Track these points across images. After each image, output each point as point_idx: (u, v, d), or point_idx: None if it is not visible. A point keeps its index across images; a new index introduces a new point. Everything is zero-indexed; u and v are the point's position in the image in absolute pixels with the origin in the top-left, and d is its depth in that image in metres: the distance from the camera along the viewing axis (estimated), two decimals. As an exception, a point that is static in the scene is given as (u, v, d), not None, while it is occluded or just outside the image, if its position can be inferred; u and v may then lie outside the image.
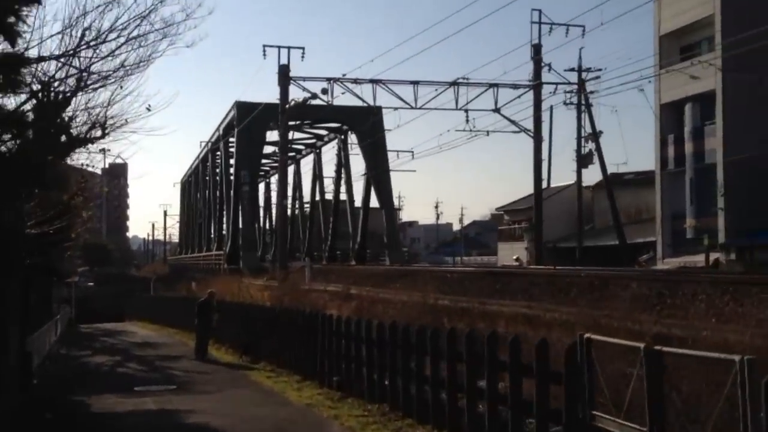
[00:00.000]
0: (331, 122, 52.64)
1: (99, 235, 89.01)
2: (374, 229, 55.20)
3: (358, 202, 55.13)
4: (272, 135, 53.64)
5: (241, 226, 50.23)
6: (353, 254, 53.94)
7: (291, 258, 64.95)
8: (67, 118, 15.01)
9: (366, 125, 48.74)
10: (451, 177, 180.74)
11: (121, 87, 14.36)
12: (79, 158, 19.83)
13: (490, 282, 18.47)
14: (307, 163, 66.68)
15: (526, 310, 12.83)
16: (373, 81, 29.54)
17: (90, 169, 23.05)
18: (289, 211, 78.23)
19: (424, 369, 9.15)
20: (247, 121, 44.77)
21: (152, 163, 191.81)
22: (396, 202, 72.06)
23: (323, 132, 57.75)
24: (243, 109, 47.51)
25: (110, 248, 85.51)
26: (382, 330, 10.34)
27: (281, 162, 29.85)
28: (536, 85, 30.49)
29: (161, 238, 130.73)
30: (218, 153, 63.11)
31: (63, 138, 15.17)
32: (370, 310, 15.49)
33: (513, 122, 31.30)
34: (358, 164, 57.74)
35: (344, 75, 28.10)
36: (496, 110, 31.00)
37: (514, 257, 48.31)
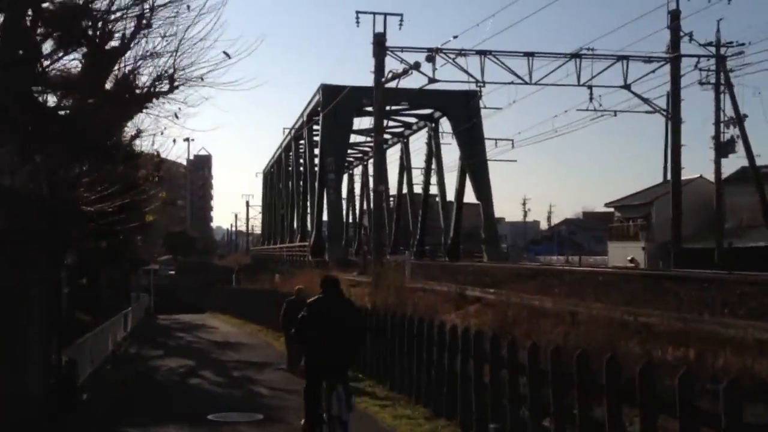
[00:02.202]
0: (421, 108, 49.25)
1: (183, 225, 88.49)
2: (463, 224, 51.53)
3: (448, 195, 51.74)
4: (358, 122, 51.00)
5: (326, 216, 47.49)
6: (445, 250, 50.52)
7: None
8: (127, 71, 12.06)
9: (462, 110, 45.30)
10: (543, 171, 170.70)
11: (195, 22, 11.32)
12: (147, 125, 17.04)
13: (651, 287, 14.72)
14: (392, 154, 63.35)
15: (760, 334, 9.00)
16: (480, 52, 25.89)
17: (161, 138, 20.30)
18: (372, 203, 75.83)
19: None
20: (333, 104, 41.87)
21: (235, 152, 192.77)
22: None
23: (412, 120, 54.46)
24: (329, 92, 44.73)
25: (193, 237, 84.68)
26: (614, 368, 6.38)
27: (376, 143, 26.60)
28: (674, 58, 26.20)
29: (244, 229, 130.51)
30: (302, 141, 60.78)
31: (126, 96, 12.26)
32: (518, 323, 11.90)
33: (646, 101, 27.10)
34: (447, 155, 54.13)
35: (445, 44, 24.51)
36: (626, 86, 26.86)
37: (629, 258, 43.73)
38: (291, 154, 66.41)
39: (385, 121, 54.87)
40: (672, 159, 27.52)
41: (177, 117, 12.03)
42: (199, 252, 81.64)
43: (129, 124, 16.81)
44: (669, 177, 51.68)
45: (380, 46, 24.72)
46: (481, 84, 25.95)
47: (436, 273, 25.68)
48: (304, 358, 8.33)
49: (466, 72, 25.88)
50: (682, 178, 51.10)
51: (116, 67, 11.77)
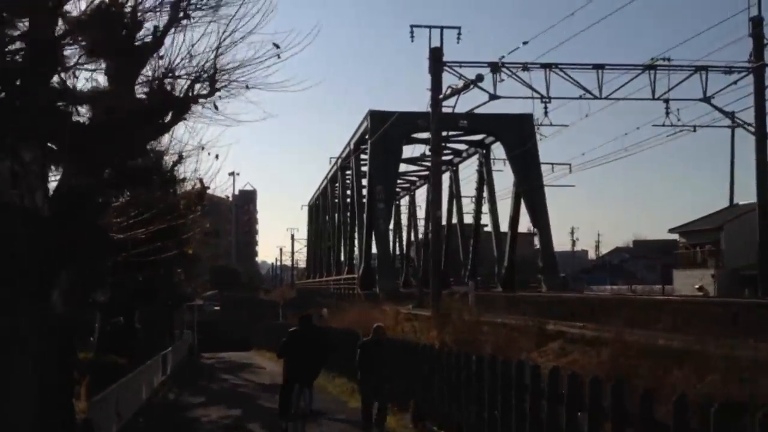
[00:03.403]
0: (473, 133, 47.30)
1: (227, 259, 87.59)
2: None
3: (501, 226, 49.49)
4: (406, 151, 49.24)
5: (375, 247, 45.60)
6: (498, 280, 48.15)
7: (424, 284, 60.05)
8: (162, 71, 10.33)
9: (516, 135, 43.29)
10: (592, 198, 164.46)
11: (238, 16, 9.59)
12: (190, 150, 15.28)
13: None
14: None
15: None
16: (545, 65, 23.88)
17: (205, 164, 18.56)
18: (420, 233, 73.79)
19: None
20: (382, 131, 40.24)
21: (279, 185, 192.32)
22: (530, 226, 65.52)
23: (461, 147, 52.56)
24: (377, 118, 43.17)
25: (239, 271, 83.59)
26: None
27: (433, 164, 24.66)
28: (757, 67, 23.85)
29: (288, 263, 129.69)
30: (348, 172, 59.34)
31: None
32: (628, 365, 9.64)
33: (728, 114, 24.68)
34: (499, 182, 51.80)
35: (511, 53, 22.52)
36: (705, 99, 24.56)
37: (696, 286, 40.80)
38: (337, 185, 64.96)
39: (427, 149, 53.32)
40: (757, 177, 24.97)
41: (216, 108, 10.18)
42: (244, 287, 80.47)
43: (166, 140, 15.12)
44: (735, 201, 49.02)
45: (437, 62, 22.91)
46: (547, 99, 23.93)
47: (501, 304, 23.44)
48: (284, 367, 12.29)
49: (530, 87, 23.93)
50: (749, 201, 48.22)
51: (147, 68, 10.06)
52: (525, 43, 21.46)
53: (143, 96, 10.34)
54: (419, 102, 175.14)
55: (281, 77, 10.27)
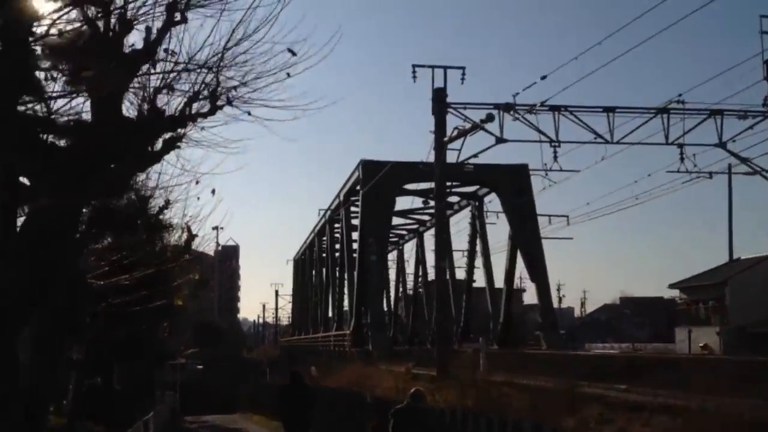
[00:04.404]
0: (468, 184, 46.14)
1: (210, 316, 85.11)
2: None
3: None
4: (400, 202, 47.91)
5: (367, 302, 43.76)
6: (495, 336, 46.35)
7: (414, 342, 58.01)
8: (157, 85, 8.84)
9: (513, 185, 42.18)
10: (581, 254, 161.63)
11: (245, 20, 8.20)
12: (176, 196, 13.78)
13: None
14: (430, 238, 59.83)
15: None
16: (554, 108, 22.74)
17: (193, 208, 16.98)
18: (409, 289, 71.92)
19: None
20: (375, 181, 38.93)
21: (263, 240, 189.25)
22: (517, 281, 64.02)
23: (453, 198, 51.35)
24: (369, 168, 41.93)
25: (222, 329, 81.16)
26: None
27: (437, 211, 23.31)
28: (775, 111, 22.88)
29: (270, 320, 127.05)
30: (336, 225, 57.87)
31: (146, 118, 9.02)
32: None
33: (744, 161, 23.56)
34: (491, 236, 50.14)
35: (517, 96, 21.34)
36: (721, 144, 23.47)
37: (701, 344, 39.22)
38: (325, 238, 63.37)
39: (423, 201, 52.03)
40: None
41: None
42: (227, 344, 77.91)
43: (153, 182, 13.59)
44: (736, 254, 47.86)
45: (440, 102, 21.70)
46: (556, 144, 22.73)
47: (511, 364, 21.69)
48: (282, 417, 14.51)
49: (538, 130, 22.72)
50: (754, 255, 47.05)
51: (137, 80, 8.56)
52: (543, 77, 20.27)
53: (131, 115, 8.84)
54: (416, 149, 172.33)
55: (293, 93, 8.80)
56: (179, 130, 8.74)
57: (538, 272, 41.18)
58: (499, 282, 47.63)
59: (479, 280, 51.23)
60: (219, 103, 8.59)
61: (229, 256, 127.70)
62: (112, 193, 10.71)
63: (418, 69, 22.46)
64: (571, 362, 20.44)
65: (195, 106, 8.59)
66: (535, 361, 21.57)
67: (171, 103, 8.99)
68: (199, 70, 8.44)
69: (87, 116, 8.89)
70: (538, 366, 20.22)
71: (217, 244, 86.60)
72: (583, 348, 41.51)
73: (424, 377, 22.91)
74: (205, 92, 8.67)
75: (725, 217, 44.08)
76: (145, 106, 8.86)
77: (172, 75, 8.52)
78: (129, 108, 9.16)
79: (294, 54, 7.92)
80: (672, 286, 48.34)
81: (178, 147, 9.81)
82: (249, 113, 8.85)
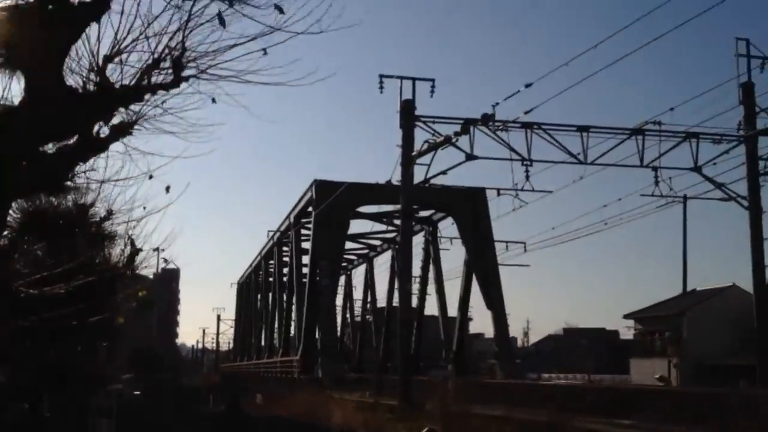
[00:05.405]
0: (425, 208, 45.03)
1: (148, 340, 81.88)
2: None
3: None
4: (355, 225, 46.49)
5: (318, 328, 42.05)
6: (447, 364, 45.06)
7: (360, 370, 56.31)
8: (108, 52, 7.34)
9: (470, 211, 41.22)
10: (532, 283, 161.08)
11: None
12: (119, 206, 12.29)
13: None
14: (380, 264, 58.60)
15: None
16: (526, 125, 21.78)
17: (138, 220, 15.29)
18: (352, 315, 70.15)
19: None
20: (329, 201, 37.54)
21: (204, 263, 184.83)
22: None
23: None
24: (323, 188, 40.56)
25: (160, 355, 78.04)
26: None
27: (403, 230, 22.06)
28: (750, 137, 22.35)
29: (209, 345, 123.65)
30: (285, 248, 56.08)
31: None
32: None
33: (719, 186, 22.92)
34: (444, 262, 49.05)
35: (495, 106, 20.26)
36: (696, 168, 22.83)
37: (656, 376, 38.72)
38: (272, 261, 61.45)
39: (373, 225, 50.75)
40: (753, 254, 23.05)
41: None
42: (165, 370, 74.85)
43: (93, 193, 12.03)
44: (691, 287, 47.66)
45: (408, 115, 20.53)
46: (528, 162, 21.72)
47: (480, 395, 20.36)
48: None
49: (509, 148, 21.69)
50: (712, 287, 46.99)
51: (82, 44, 7.06)
52: (528, 85, 19.25)
53: (75, 85, 7.30)
54: (373, 170, 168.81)
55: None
56: (133, 106, 7.22)
57: (495, 299, 40.13)
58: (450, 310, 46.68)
59: (428, 308, 50.17)
60: (185, 73, 7.13)
61: (168, 279, 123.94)
62: (47, 186, 9.11)
63: (386, 80, 21.30)
64: (550, 392, 19.23)
65: (155, 73, 7.12)
66: (504, 391, 20.30)
67: (125, 75, 7.48)
68: (161, 34, 7.01)
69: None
70: (507, 396, 18.95)
71: (165, 260, 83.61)
72: (528, 379, 40.47)
73: (384, 407, 21.47)
74: (168, 61, 7.21)
75: (695, 245, 44.05)
76: (92, 78, 7.37)
77: (126, 38, 7.05)
78: (70, 81, 7.68)
79: (282, 11, 6.54)
80: (627, 316, 48.00)
81: (130, 133, 8.31)
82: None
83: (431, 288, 48.14)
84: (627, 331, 52.67)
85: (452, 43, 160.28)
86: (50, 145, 8.14)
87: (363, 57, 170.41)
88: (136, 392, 51.99)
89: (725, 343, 39.07)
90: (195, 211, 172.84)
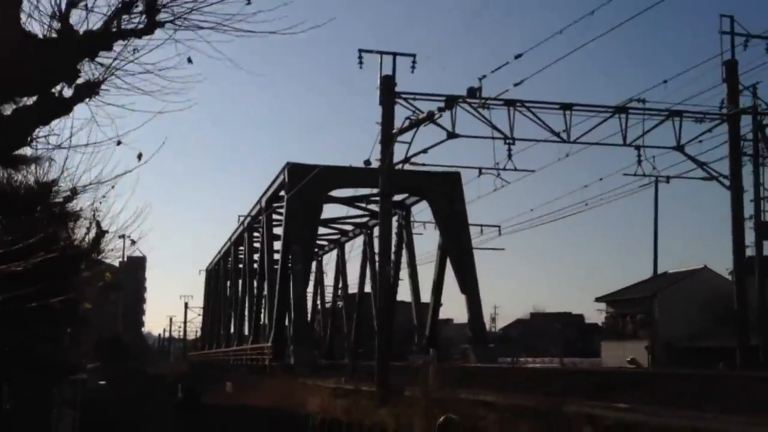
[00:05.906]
0: (400, 192, 44.25)
1: (114, 329, 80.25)
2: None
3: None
4: (327, 210, 45.58)
5: (289, 313, 41.21)
6: (420, 349, 44.53)
7: (331, 357, 55.65)
8: None
9: (445, 194, 40.57)
10: (504, 267, 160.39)
11: None
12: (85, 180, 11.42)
13: None
14: (354, 248, 57.76)
15: None
16: (509, 102, 21.09)
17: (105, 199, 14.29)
18: (323, 301, 69.38)
19: None
20: (301, 185, 36.55)
21: (170, 249, 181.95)
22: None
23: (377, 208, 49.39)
24: (296, 171, 39.55)
25: (126, 343, 76.54)
26: None
27: (382, 210, 21.30)
28: (732, 116, 21.94)
29: (176, 334, 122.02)
30: (255, 234, 54.98)
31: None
32: None
33: (701, 165, 22.50)
34: (418, 247, 48.39)
35: (481, 80, 19.47)
36: (679, 147, 22.37)
37: (627, 358, 38.62)
38: (242, 247, 60.28)
39: (347, 210, 49.95)
40: (733, 235, 22.72)
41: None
42: (131, 359, 73.45)
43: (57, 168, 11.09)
44: (662, 269, 47.66)
45: (389, 92, 19.71)
46: (510, 141, 21.02)
47: (457, 379, 19.67)
48: None
49: (492, 126, 20.97)
50: (685, 269, 47.02)
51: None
52: (517, 56, 18.50)
53: (34, 31, 6.37)
54: (348, 152, 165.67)
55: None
56: (101, 53, 6.31)
57: (470, 284, 39.60)
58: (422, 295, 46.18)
59: (399, 293, 49.58)
60: (160, 17, 6.23)
61: (135, 267, 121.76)
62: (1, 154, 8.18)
63: (365, 56, 20.42)
64: (533, 376, 18.67)
65: (126, 18, 6.21)
66: (485, 376, 19.69)
67: (91, 23, 6.55)
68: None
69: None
70: (488, 381, 18.36)
71: (133, 241, 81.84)
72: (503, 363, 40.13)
73: (363, 394, 20.72)
74: (140, 4, 6.31)
75: (676, 224, 44.01)
76: (54, 25, 6.44)
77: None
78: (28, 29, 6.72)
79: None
80: (599, 299, 47.94)
81: (97, 93, 7.38)
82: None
83: (404, 273, 47.59)
84: (598, 314, 52.72)
85: (432, 23, 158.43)
86: (5, 107, 7.24)
87: (341, 33, 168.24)
88: (101, 382, 50.75)
89: (696, 325, 39.12)
90: (162, 195, 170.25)
